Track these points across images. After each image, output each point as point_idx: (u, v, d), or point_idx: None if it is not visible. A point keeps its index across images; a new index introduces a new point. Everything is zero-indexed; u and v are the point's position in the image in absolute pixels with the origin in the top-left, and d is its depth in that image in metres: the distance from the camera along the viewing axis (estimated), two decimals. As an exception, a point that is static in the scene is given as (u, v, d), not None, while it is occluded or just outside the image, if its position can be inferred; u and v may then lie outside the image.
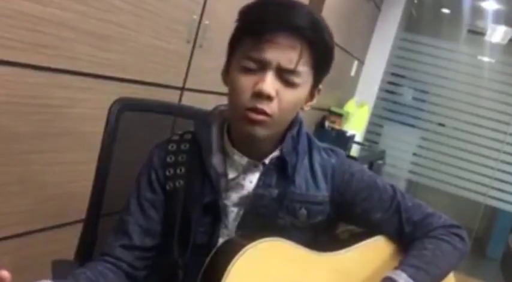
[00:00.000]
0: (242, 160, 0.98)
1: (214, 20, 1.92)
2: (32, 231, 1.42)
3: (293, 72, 0.90)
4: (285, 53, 0.89)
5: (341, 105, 3.96)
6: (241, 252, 0.86)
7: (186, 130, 1.05)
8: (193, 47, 1.86)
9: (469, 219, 4.38)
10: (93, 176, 1.15)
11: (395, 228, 1.02)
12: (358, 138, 4.01)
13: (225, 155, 0.99)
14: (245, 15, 0.93)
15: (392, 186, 1.05)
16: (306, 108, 1.00)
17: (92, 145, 1.13)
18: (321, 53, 0.93)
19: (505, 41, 4.61)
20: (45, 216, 1.45)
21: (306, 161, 1.02)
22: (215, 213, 0.97)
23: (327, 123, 3.62)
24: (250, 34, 0.90)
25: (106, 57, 1.47)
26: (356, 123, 4.00)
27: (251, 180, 0.98)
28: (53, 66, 1.31)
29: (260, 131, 0.92)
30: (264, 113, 0.89)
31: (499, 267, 4.92)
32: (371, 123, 4.58)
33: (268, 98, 0.89)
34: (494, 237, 5.16)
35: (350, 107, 4.01)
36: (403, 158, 4.61)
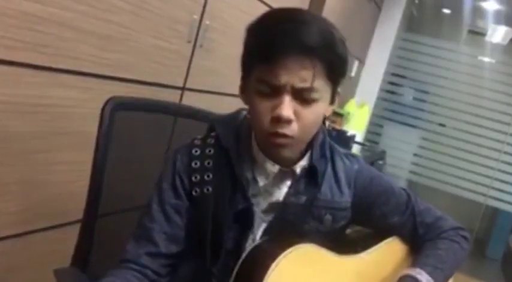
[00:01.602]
0: (274, 168, 0.97)
1: (214, 20, 1.91)
2: (32, 231, 1.41)
3: (309, 89, 0.88)
4: (298, 74, 0.86)
5: (341, 105, 3.95)
6: (276, 262, 0.85)
7: (206, 134, 1.03)
8: (194, 46, 1.86)
9: (469, 219, 4.37)
10: (93, 176, 1.14)
11: (409, 231, 1.07)
12: (359, 138, 4.00)
13: (254, 162, 0.98)
14: (254, 35, 0.91)
15: (404, 190, 1.08)
16: (328, 113, 0.98)
17: (92, 145, 1.13)
18: (335, 65, 0.91)
19: (506, 41, 4.61)
20: (45, 216, 1.45)
21: (329, 167, 1.03)
22: (246, 219, 0.97)
23: (327, 124, 3.61)
24: (261, 58, 0.88)
25: (107, 57, 1.47)
26: (356, 123, 3.99)
27: (280, 187, 0.99)
28: (53, 66, 1.31)
29: (285, 152, 0.93)
30: (285, 136, 0.89)
31: (500, 268, 4.91)
32: (371, 123, 4.58)
33: (288, 121, 0.88)
34: (494, 237, 5.16)
35: (350, 107, 4.01)
36: (403, 158, 4.62)
